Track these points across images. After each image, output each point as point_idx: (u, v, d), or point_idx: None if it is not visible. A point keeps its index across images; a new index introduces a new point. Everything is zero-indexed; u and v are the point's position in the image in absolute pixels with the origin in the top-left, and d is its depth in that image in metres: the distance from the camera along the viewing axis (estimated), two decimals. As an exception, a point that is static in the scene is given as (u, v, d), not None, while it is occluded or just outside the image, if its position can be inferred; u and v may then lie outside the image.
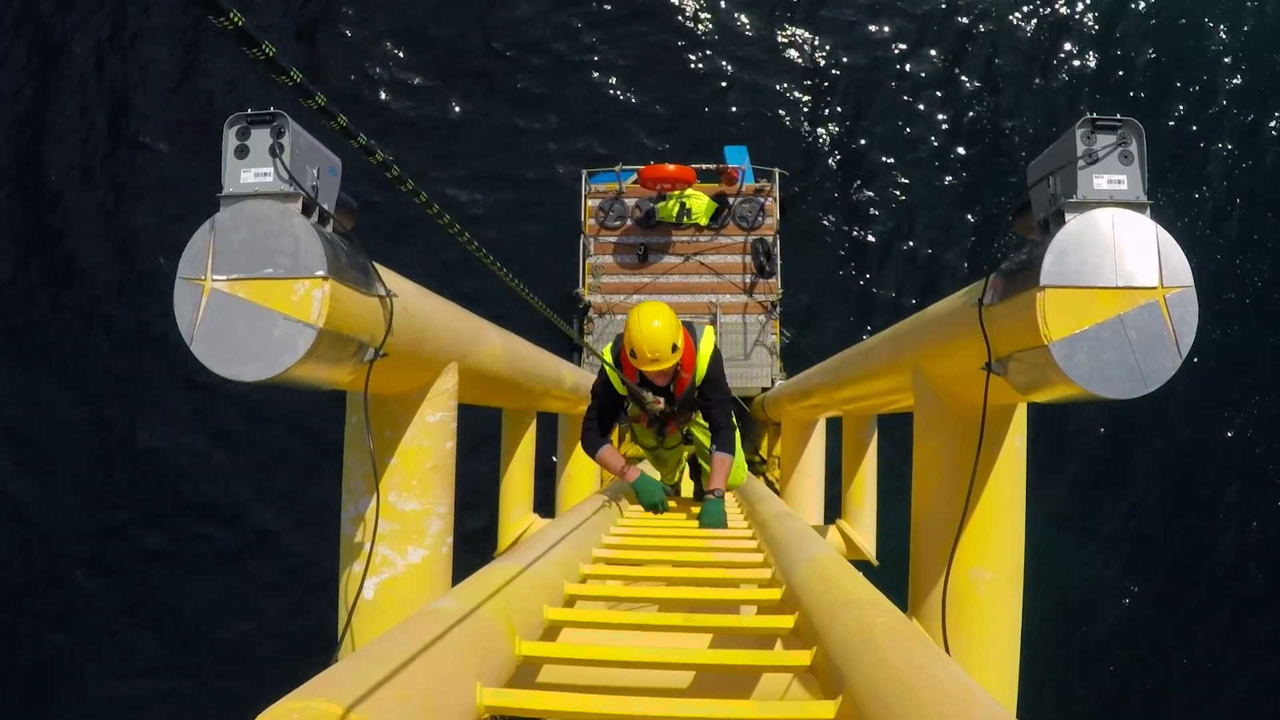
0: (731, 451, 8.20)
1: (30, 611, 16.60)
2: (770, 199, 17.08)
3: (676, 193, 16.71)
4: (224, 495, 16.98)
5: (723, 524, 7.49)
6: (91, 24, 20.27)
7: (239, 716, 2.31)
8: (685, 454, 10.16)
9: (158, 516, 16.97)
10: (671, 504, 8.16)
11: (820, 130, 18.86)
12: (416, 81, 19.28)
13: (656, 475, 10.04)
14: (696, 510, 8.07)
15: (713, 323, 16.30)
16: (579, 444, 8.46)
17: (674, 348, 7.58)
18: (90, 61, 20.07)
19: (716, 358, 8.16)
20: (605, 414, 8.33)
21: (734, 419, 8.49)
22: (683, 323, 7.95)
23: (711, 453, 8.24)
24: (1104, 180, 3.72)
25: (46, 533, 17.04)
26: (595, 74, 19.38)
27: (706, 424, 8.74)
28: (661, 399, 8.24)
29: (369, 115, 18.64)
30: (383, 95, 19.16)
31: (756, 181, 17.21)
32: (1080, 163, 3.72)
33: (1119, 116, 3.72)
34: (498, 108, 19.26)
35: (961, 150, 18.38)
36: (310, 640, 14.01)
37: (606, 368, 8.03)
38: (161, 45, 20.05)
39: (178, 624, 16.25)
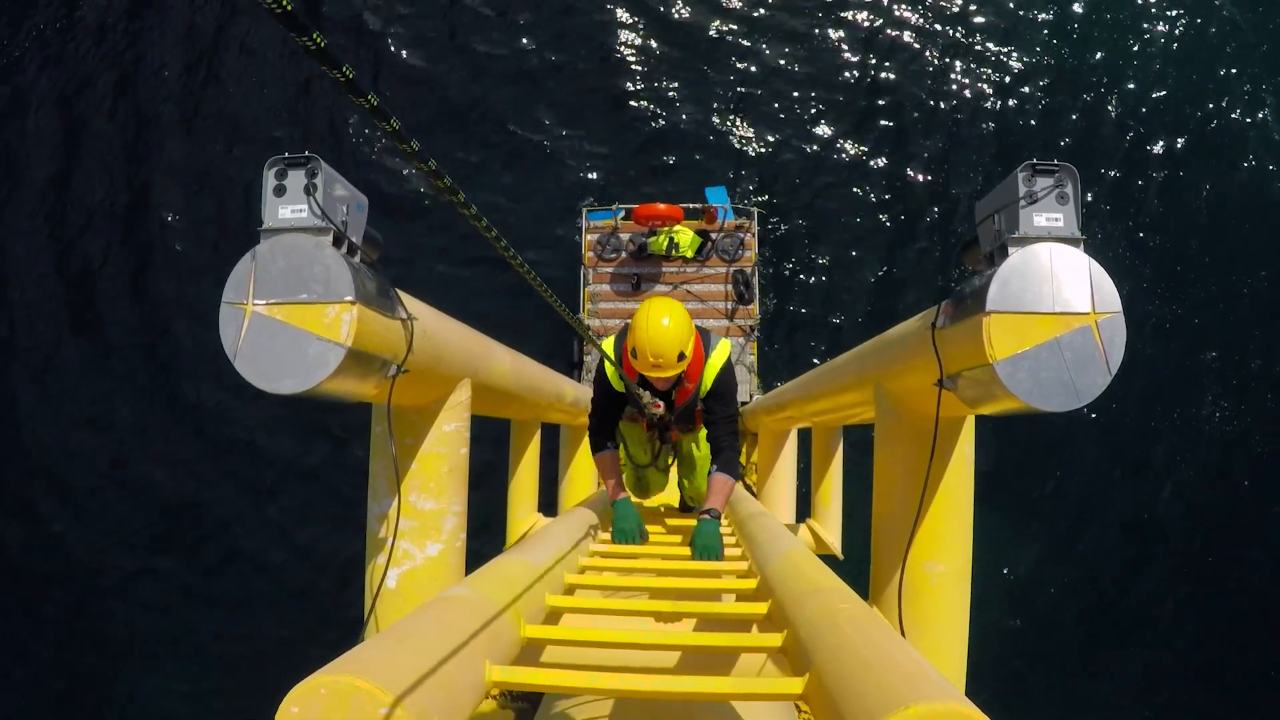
0: (735, 475, 6.58)
1: (71, 620, 16.51)
2: (749, 234, 17.16)
3: (666, 229, 16.81)
4: (257, 491, 16.93)
5: (717, 550, 5.85)
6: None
7: (274, 692, 2.31)
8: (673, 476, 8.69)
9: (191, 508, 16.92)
10: (646, 535, 6.39)
11: (798, 167, 18.88)
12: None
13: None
14: (686, 525, 7.25)
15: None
16: (579, 450, 7.65)
17: (681, 356, 6.13)
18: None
19: (728, 371, 6.67)
20: (607, 413, 6.93)
21: (740, 440, 7.06)
22: (697, 328, 6.52)
23: (711, 474, 6.56)
24: (1043, 218, 3.74)
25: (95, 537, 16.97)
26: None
27: (706, 443, 7.28)
28: (660, 403, 6.72)
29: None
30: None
31: (736, 219, 17.30)
32: (1022, 202, 3.74)
33: (1056, 162, 3.75)
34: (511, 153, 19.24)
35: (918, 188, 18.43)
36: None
37: (605, 362, 6.57)
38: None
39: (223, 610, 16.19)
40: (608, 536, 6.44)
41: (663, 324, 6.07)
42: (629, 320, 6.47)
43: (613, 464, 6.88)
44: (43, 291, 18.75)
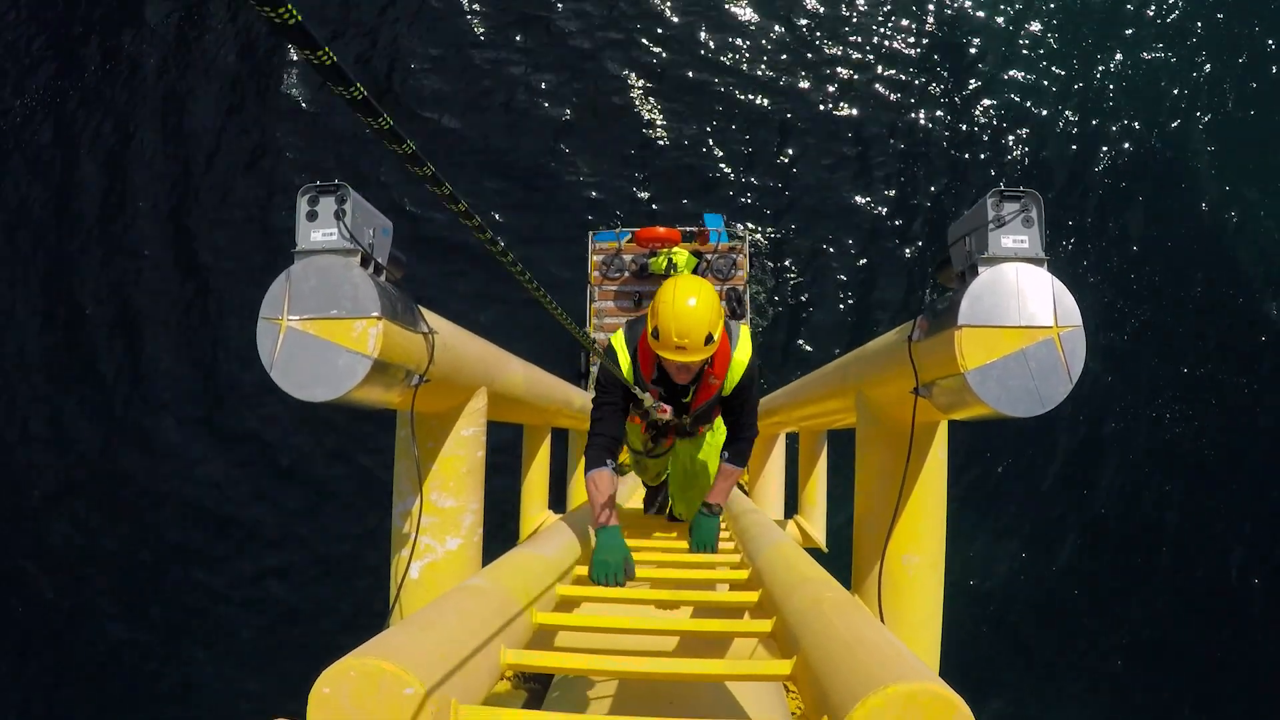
0: (743, 465, 5.70)
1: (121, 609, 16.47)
2: (741, 255, 17.19)
3: (665, 250, 16.85)
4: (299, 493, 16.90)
5: (713, 544, 5.53)
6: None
7: (309, 674, 2.32)
8: (673, 463, 7.39)
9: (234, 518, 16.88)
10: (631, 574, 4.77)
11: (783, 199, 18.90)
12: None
13: (638, 493, 7.80)
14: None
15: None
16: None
17: (709, 338, 4.97)
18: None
19: (754, 366, 5.56)
20: (617, 416, 5.52)
21: (756, 427, 5.88)
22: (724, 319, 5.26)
23: (722, 461, 5.72)
24: (1010, 240, 3.75)
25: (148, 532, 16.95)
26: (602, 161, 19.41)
27: (723, 430, 6.33)
28: (669, 409, 5.66)
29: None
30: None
31: (730, 242, 17.32)
32: (991, 225, 3.75)
33: (1022, 188, 3.76)
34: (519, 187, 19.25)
35: (897, 219, 18.45)
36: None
37: (619, 350, 5.46)
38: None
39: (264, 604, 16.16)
40: None
41: (689, 303, 4.95)
42: (640, 313, 5.39)
43: (610, 486, 5.26)
44: (101, 312, 18.78)
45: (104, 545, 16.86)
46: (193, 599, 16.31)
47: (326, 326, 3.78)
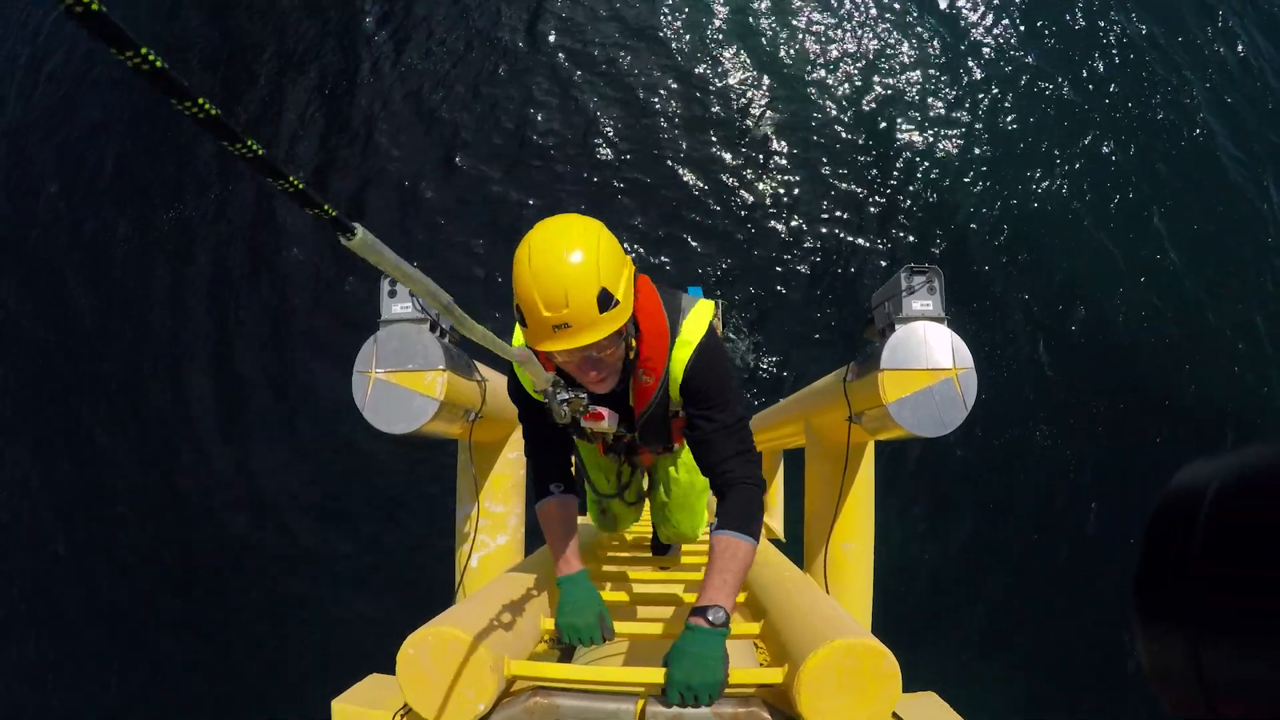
0: (750, 532, 2.43)
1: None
2: (716, 318, 17.12)
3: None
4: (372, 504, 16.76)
5: (716, 685, 2.25)
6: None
7: (394, 641, 2.36)
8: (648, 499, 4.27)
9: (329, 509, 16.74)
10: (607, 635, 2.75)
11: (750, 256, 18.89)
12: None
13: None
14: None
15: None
16: None
17: (606, 299, 2.13)
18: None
19: (713, 348, 2.56)
20: (548, 439, 2.93)
21: (758, 467, 2.60)
22: (659, 286, 2.70)
23: (712, 532, 2.46)
24: (918, 304, 3.82)
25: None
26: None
27: (694, 467, 3.58)
28: (605, 412, 2.62)
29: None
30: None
31: (707, 305, 17.31)
32: (904, 293, 3.83)
33: (927, 264, 3.85)
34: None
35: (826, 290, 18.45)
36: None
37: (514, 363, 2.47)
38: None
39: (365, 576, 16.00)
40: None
41: (563, 254, 2.15)
42: None
43: (561, 519, 2.97)
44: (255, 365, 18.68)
45: (248, 545, 16.72)
46: (297, 595, 16.16)
47: (404, 377, 3.88)
